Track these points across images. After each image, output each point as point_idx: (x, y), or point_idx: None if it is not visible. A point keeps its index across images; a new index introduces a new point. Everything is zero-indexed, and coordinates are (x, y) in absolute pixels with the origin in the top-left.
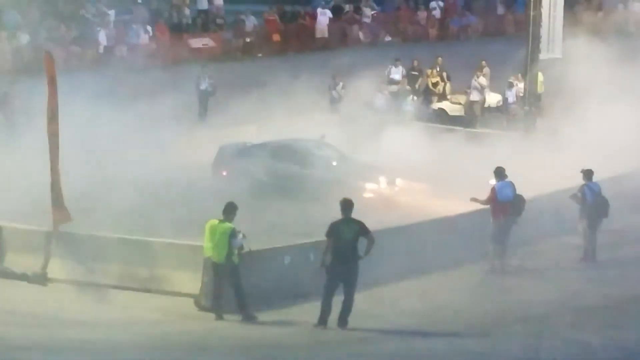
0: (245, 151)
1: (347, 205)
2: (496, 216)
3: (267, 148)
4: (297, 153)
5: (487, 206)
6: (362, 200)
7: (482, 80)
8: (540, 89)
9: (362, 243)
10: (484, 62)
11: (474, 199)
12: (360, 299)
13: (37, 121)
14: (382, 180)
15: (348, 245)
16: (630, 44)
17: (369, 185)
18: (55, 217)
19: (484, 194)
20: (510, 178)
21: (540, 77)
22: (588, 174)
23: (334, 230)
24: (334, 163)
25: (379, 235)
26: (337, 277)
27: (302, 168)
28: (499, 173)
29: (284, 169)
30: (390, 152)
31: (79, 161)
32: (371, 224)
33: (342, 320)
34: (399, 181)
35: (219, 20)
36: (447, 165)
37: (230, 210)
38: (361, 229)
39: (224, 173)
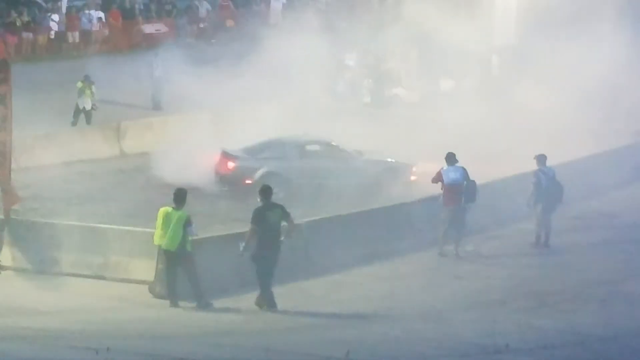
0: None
1: (267, 190)
2: (445, 201)
3: (289, 147)
4: (329, 148)
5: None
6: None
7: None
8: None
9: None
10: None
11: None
12: (316, 284)
13: None
14: (420, 163)
15: (273, 229)
16: (581, 28)
17: (414, 169)
18: (5, 201)
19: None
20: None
21: (495, 60)
22: (541, 159)
23: (259, 215)
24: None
25: (334, 222)
26: (265, 261)
27: (338, 164)
28: (449, 158)
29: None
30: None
31: None
32: None
33: (261, 300)
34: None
35: (167, 7)
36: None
37: (182, 197)
38: (284, 213)
39: (248, 182)
